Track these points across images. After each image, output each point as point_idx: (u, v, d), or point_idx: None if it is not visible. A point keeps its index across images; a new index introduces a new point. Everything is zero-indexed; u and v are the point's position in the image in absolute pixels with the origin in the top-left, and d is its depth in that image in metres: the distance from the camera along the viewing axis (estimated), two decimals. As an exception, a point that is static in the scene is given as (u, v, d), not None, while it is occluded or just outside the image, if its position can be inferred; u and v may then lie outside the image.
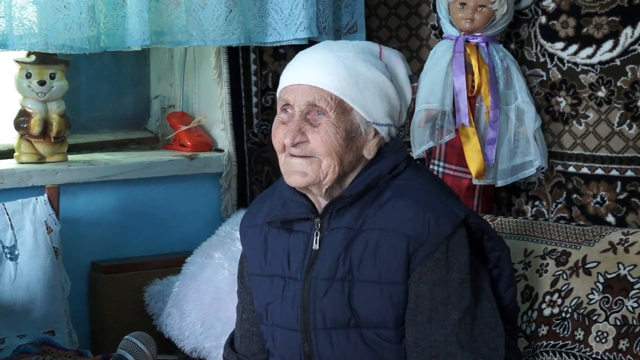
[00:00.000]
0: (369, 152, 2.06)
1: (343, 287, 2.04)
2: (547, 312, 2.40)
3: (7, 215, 2.65)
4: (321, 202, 2.10)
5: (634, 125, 2.89)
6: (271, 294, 2.13)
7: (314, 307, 2.06)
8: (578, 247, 2.45)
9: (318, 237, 2.08)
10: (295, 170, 2.04)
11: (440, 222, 2.01)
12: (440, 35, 3.23)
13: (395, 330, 2.04)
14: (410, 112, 3.19)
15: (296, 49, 2.30)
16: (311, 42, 2.95)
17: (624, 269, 2.35)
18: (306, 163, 2.02)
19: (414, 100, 3.11)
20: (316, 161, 2.02)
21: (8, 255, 2.63)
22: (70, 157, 2.98)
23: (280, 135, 2.04)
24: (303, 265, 2.08)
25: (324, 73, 2.02)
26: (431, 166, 3.13)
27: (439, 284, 2.01)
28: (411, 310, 2.03)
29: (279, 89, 2.10)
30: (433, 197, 2.05)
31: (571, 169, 3.03)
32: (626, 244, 2.39)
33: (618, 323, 2.28)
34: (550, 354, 2.36)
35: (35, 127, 2.86)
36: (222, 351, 2.33)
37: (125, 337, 2.52)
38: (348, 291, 2.04)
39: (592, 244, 2.44)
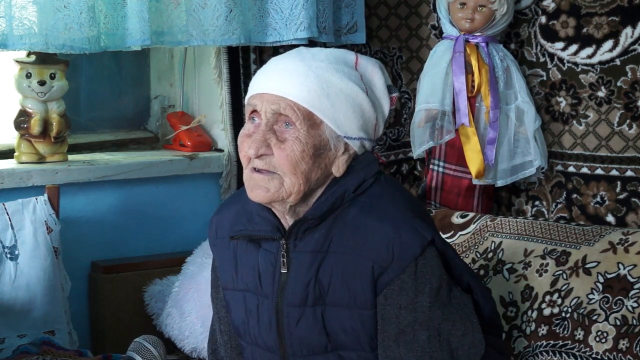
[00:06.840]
0: (337, 169, 1.95)
1: (315, 313, 1.97)
2: (547, 312, 2.40)
3: (7, 215, 2.65)
4: (288, 219, 2.00)
5: (634, 125, 2.89)
6: (245, 310, 2.06)
7: (290, 335, 1.99)
8: (578, 247, 2.45)
9: (285, 260, 1.99)
10: (257, 185, 1.93)
11: (405, 244, 1.90)
12: (440, 35, 3.23)
13: (372, 352, 1.97)
14: (410, 112, 3.19)
15: (296, 49, 2.30)
16: (311, 42, 2.96)
17: (624, 268, 2.35)
18: (268, 179, 1.92)
19: (413, 103, 3.11)
20: (278, 178, 1.91)
21: (8, 255, 2.63)
22: (70, 157, 2.98)
23: (245, 147, 1.93)
24: (273, 289, 2.00)
25: (293, 83, 1.90)
26: (431, 166, 3.13)
27: (405, 307, 1.92)
28: (380, 332, 1.94)
29: (247, 96, 1.98)
30: (398, 217, 1.93)
31: (571, 169, 3.03)
32: (626, 244, 2.39)
33: (618, 323, 2.28)
34: (550, 353, 2.35)
35: (35, 127, 2.86)
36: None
37: (135, 339, 2.57)
38: (321, 316, 1.97)
39: (592, 244, 2.44)
